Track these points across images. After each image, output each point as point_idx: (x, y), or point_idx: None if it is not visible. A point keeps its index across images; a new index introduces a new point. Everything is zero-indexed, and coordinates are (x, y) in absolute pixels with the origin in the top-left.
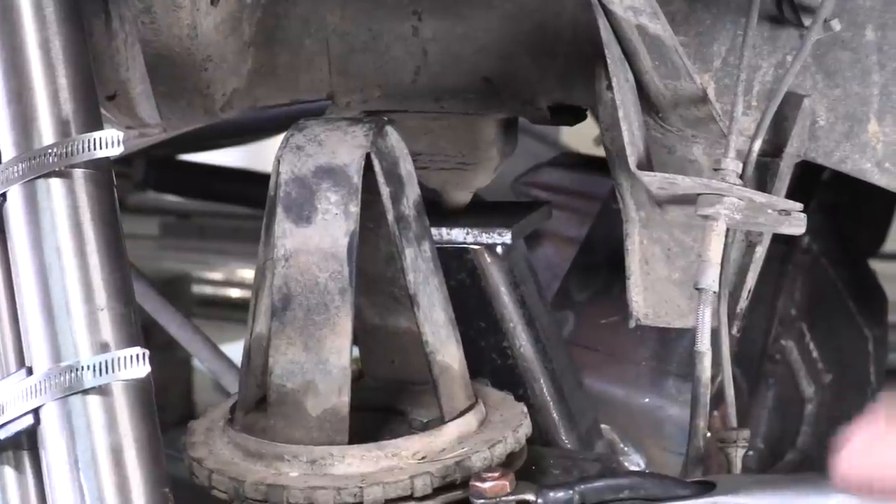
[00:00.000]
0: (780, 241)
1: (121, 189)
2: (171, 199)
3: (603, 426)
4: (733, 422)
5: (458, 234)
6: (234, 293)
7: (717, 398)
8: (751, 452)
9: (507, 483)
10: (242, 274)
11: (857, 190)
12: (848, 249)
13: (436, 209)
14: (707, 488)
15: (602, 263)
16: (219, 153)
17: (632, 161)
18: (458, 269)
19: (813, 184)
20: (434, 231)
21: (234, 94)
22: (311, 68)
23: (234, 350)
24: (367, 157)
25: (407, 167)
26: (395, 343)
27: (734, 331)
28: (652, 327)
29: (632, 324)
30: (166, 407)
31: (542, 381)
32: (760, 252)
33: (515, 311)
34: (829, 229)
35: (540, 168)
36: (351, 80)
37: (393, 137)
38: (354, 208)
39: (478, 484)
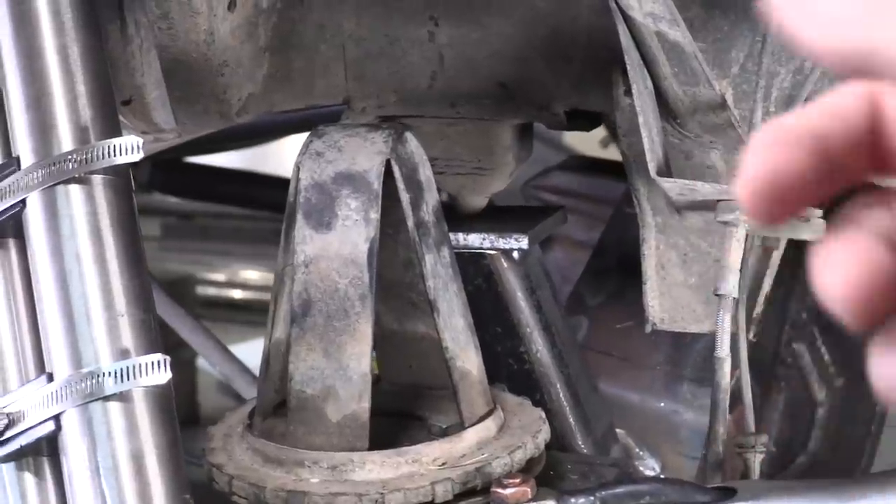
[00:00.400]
0: (790, 244)
1: None
2: (173, 200)
3: (618, 431)
4: (751, 427)
5: (474, 240)
6: (238, 294)
7: (731, 403)
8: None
9: (529, 489)
10: (245, 275)
11: None
12: None
13: (452, 214)
14: (727, 494)
15: (614, 268)
16: (224, 156)
17: (652, 168)
18: (474, 274)
19: None
20: (450, 236)
21: (250, 98)
22: (326, 73)
23: (238, 351)
24: (387, 163)
25: (426, 173)
26: (413, 348)
27: (751, 336)
28: (666, 332)
29: (648, 328)
30: None
31: (558, 385)
32: (776, 257)
33: (532, 316)
34: None
35: (550, 172)
36: (367, 85)
37: (412, 143)
38: (375, 215)
39: (499, 490)
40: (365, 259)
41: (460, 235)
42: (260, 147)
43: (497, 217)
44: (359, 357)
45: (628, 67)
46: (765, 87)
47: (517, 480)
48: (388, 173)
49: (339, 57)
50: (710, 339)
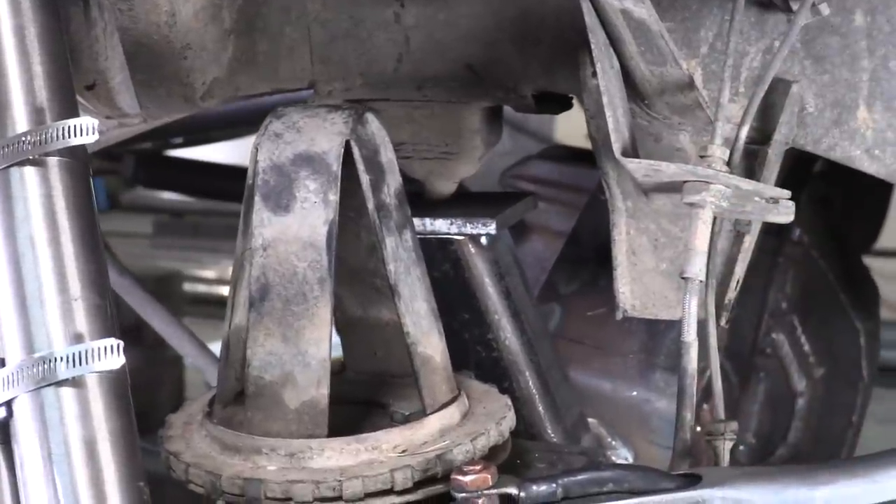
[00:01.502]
0: (770, 232)
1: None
2: (164, 197)
3: (590, 420)
4: (721, 414)
5: (441, 225)
6: (227, 291)
7: (707, 392)
8: (742, 447)
9: (489, 476)
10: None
11: (850, 184)
12: (840, 244)
13: (420, 199)
14: (693, 481)
15: (589, 256)
16: (209, 149)
17: (616, 148)
18: (441, 259)
19: (805, 175)
20: (418, 221)
21: (215, 82)
22: (292, 56)
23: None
24: (347, 144)
25: (388, 155)
26: (378, 335)
27: (723, 322)
28: (640, 320)
29: (619, 315)
30: (158, 405)
31: (527, 373)
32: (749, 242)
33: (500, 302)
34: (820, 222)
35: (528, 161)
36: (332, 68)
37: (373, 125)
38: (334, 196)
39: (459, 477)
40: (324, 242)
41: (427, 221)
42: (245, 140)
43: (465, 203)
44: (317, 342)
45: (593, 47)
46: (733, 66)
47: (478, 467)
48: (349, 155)
49: (305, 39)
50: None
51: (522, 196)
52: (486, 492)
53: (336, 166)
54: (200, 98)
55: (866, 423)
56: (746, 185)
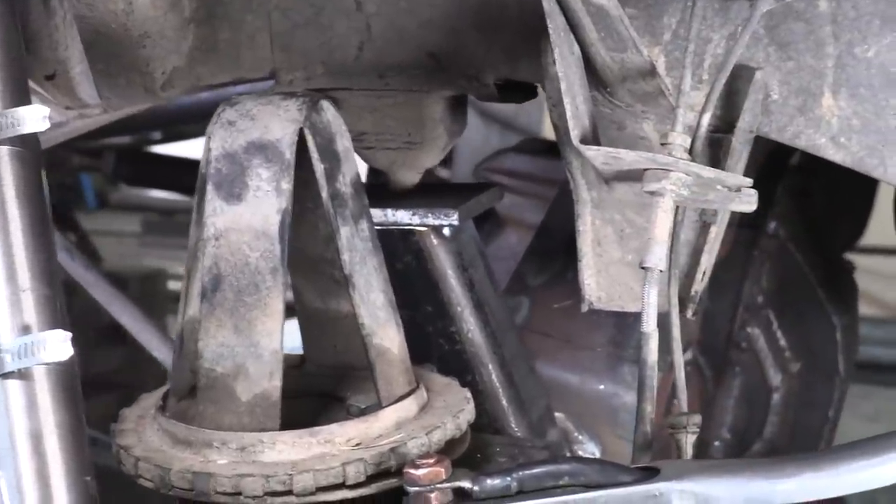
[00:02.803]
0: (746, 225)
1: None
2: (153, 196)
3: (557, 414)
4: (684, 407)
5: (403, 216)
6: None
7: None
8: (717, 443)
9: (443, 470)
10: None
11: (832, 178)
12: (823, 240)
13: (383, 191)
14: (651, 474)
15: (559, 248)
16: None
17: (575, 135)
18: (403, 251)
19: (781, 168)
20: (379, 212)
21: (175, 72)
22: (253, 45)
23: None
24: (301, 132)
25: (344, 143)
26: (337, 327)
27: (690, 314)
28: (608, 312)
29: (584, 308)
30: None
31: (490, 366)
32: (715, 232)
33: (463, 294)
34: (797, 215)
35: (502, 153)
36: (294, 56)
37: (329, 113)
38: (287, 185)
39: (411, 471)
40: (277, 231)
41: (389, 211)
42: None
43: (429, 193)
44: (270, 333)
45: (551, 32)
46: (696, 53)
47: (431, 461)
48: (303, 143)
49: (266, 28)
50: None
51: (487, 187)
52: (439, 486)
53: (289, 154)
54: (161, 88)
55: (854, 422)
56: (707, 172)
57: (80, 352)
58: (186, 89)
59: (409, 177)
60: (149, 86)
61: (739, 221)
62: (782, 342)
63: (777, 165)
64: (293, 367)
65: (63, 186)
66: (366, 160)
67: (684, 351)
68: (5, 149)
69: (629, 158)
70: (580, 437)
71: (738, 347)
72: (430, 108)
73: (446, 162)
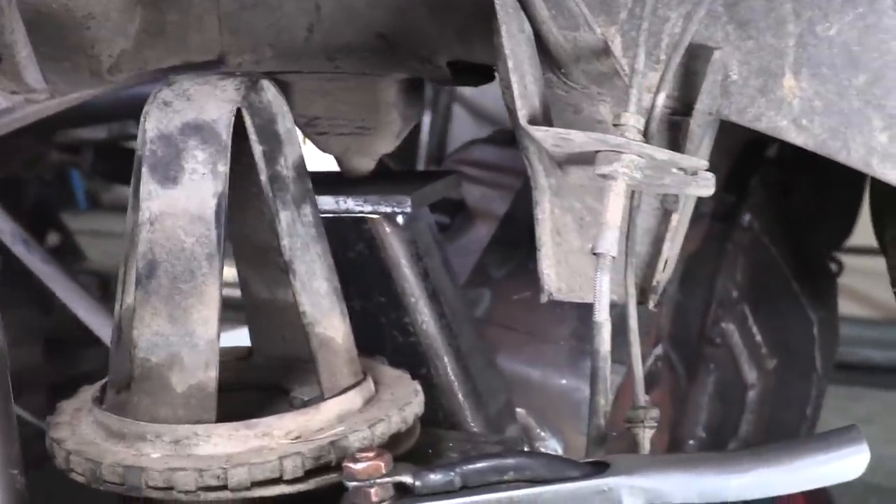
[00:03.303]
0: (719, 217)
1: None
2: None
3: (518, 410)
4: (641, 400)
5: (354, 203)
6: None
7: (651, 380)
8: (691, 441)
9: (383, 464)
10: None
11: (818, 174)
12: (802, 236)
13: (336, 178)
14: (601, 469)
15: (523, 238)
16: None
17: (522, 115)
18: (355, 240)
19: (756, 160)
20: (330, 199)
21: (122, 55)
22: (200, 27)
23: None
24: (239, 112)
25: (286, 125)
26: (285, 318)
27: (651, 305)
28: (572, 305)
29: (543, 298)
30: None
31: (445, 359)
32: (677, 220)
33: (418, 284)
34: (773, 208)
35: (471, 145)
36: (242, 39)
37: (269, 93)
38: (223, 167)
39: (350, 465)
40: (213, 215)
41: (340, 199)
42: None
43: (383, 181)
44: (206, 322)
45: (498, 8)
46: (653, 32)
47: (371, 454)
48: (241, 124)
49: (213, 9)
50: (620, 312)
51: (445, 174)
52: (378, 480)
53: (226, 135)
54: (108, 71)
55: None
56: (662, 154)
57: (68, 352)
58: (134, 73)
59: (364, 164)
60: (95, 69)
61: (712, 213)
62: (758, 338)
63: (753, 157)
64: (240, 359)
65: (44, 183)
66: (319, 147)
67: (655, 345)
68: None
69: (579, 140)
70: (542, 433)
71: (712, 343)
72: (384, 93)
73: (438, 161)
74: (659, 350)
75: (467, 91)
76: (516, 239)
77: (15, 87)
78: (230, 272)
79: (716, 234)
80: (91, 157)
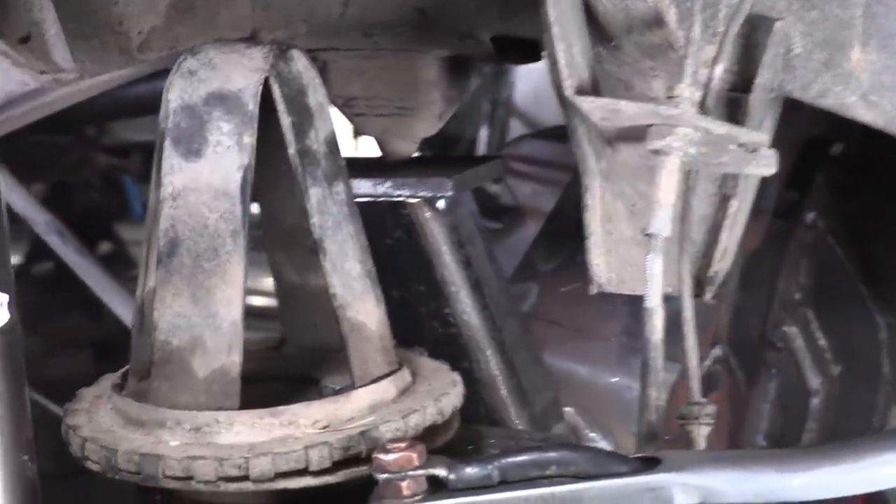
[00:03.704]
0: (781, 214)
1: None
2: None
3: (566, 409)
4: (696, 395)
5: (392, 187)
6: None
7: (709, 383)
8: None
9: (415, 455)
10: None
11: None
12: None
13: (374, 162)
14: (650, 465)
15: (572, 232)
16: None
17: (568, 86)
18: (393, 225)
19: (819, 158)
20: (368, 183)
21: (152, 32)
22: (231, 3)
23: None
24: (266, 82)
25: (318, 98)
26: (317, 304)
27: (708, 297)
28: (623, 299)
29: (592, 290)
30: None
31: (488, 352)
32: (736, 206)
33: (459, 273)
34: (837, 206)
35: (522, 139)
36: (274, 15)
37: (300, 63)
38: (249, 139)
39: (380, 456)
40: (238, 190)
41: (378, 182)
42: None
43: (423, 165)
44: (229, 302)
45: None
46: (709, 2)
47: (403, 445)
48: (269, 94)
49: None
50: (674, 307)
51: (487, 159)
52: (410, 472)
53: (252, 105)
54: (138, 49)
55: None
56: (718, 128)
57: (116, 357)
58: (164, 52)
59: (404, 147)
60: (124, 46)
61: (774, 210)
62: (821, 342)
63: (816, 153)
64: (272, 348)
65: (93, 188)
66: (357, 128)
67: (714, 345)
68: None
69: (630, 111)
70: (591, 433)
71: (774, 347)
72: (424, 71)
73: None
74: (718, 352)
75: (524, 105)
76: (565, 232)
77: (43, 66)
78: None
79: (778, 232)
80: (140, 161)
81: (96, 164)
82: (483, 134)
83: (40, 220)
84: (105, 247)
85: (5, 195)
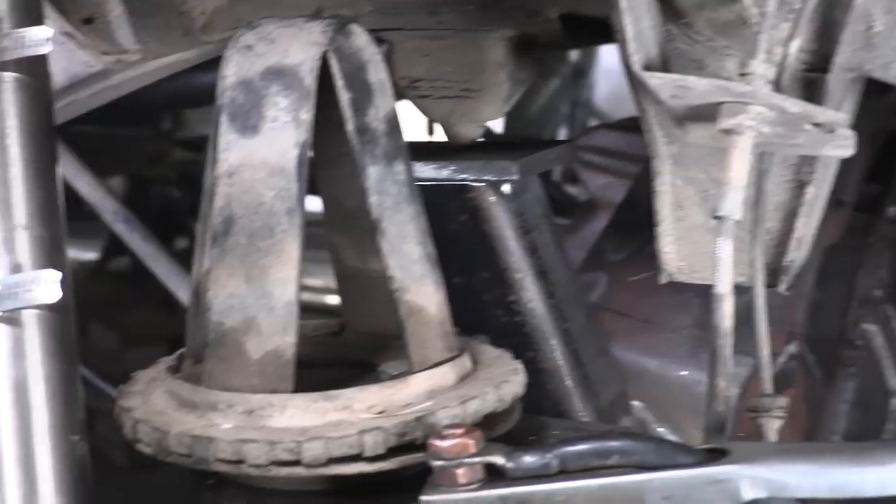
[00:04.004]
0: (862, 208)
1: None
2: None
3: (634, 403)
4: (768, 388)
5: (456, 170)
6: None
7: (783, 381)
8: None
9: (472, 442)
10: (310, 281)
11: None
12: None
13: (438, 146)
14: (717, 456)
15: (643, 221)
16: None
17: (635, 60)
18: (457, 210)
19: None
20: (430, 167)
21: (215, 12)
22: None
23: None
24: (325, 56)
25: (378, 75)
26: (378, 290)
27: (783, 287)
28: (694, 291)
29: (662, 279)
30: None
31: (553, 342)
32: (813, 193)
33: (524, 260)
34: None
35: (594, 130)
36: None
37: (361, 38)
38: (307, 115)
39: (436, 442)
40: (294, 167)
41: (440, 165)
42: None
43: (488, 148)
44: (284, 282)
45: None
46: None
47: (459, 431)
48: (328, 70)
49: None
50: (747, 299)
51: (556, 143)
52: (466, 460)
53: (310, 80)
54: (201, 30)
55: None
56: (794, 106)
57: None
58: (228, 33)
59: (469, 130)
60: (187, 27)
61: (855, 204)
62: None
63: None
64: (331, 334)
65: (169, 183)
66: (421, 111)
67: (789, 342)
68: (10, 76)
69: (700, 88)
70: (658, 428)
71: (852, 345)
72: (490, 51)
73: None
74: (793, 349)
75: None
76: (635, 222)
77: (107, 47)
78: None
79: (858, 226)
80: None
81: (172, 159)
82: (562, 136)
83: (108, 208)
84: (182, 242)
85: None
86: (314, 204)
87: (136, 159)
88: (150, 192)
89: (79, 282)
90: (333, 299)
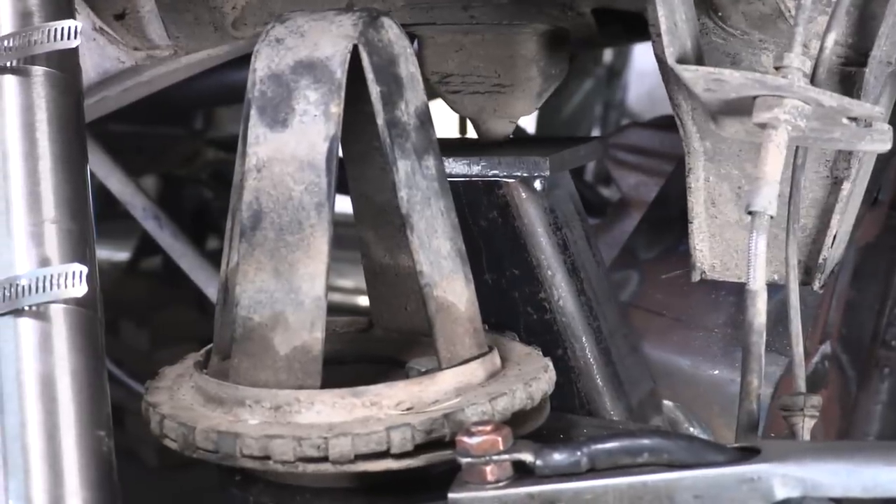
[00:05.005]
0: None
1: None
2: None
3: (665, 402)
4: (801, 386)
5: (487, 166)
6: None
7: (816, 381)
8: None
9: (500, 439)
10: (341, 282)
11: None
12: None
13: (469, 143)
14: (749, 455)
15: (676, 219)
16: None
17: (670, 53)
18: (487, 206)
19: None
20: (461, 163)
21: (246, 8)
22: None
23: None
24: (355, 49)
25: (409, 69)
26: (407, 286)
27: (817, 285)
28: (727, 289)
29: (695, 277)
30: None
31: (584, 340)
32: (849, 189)
33: (555, 257)
34: None
35: (628, 128)
36: None
37: (391, 32)
38: (336, 108)
39: (464, 439)
40: (323, 161)
41: (472, 161)
42: None
43: (520, 144)
44: (312, 278)
45: None
46: None
47: (488, 428)
48: (358, 63)
49: None
50: (781, 298)
51: (588, 139)
52: (495, 457)
53: (340, 74)
54: (232, 25)
55: None
56: (829, 100)
57: None
58: (259, 28)
59: (501, 126)
60: (218, 23)
61: (892, 203)
62: None
63: None
64: (360, 331)
65: (201, 183)
66: (452, 107)
67: (823, 342)
68: (40, 70)
69: (735, 81)
70: (690, 427)
71: (887, 346)
72: (522, 46)
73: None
74: (827, 349)
75: (638, 107)
76: (668, 220)
77: (138, 42)
78: None
79: (894, 225)
80: None
81: (204, 159)
82: None
83: (137, 205)
84: (213, 243)
85: (100, 177)
86: (345, 204)
87: (169, 159)
88: (183, 191)
89: (111, 281)
90: (364, 300)
